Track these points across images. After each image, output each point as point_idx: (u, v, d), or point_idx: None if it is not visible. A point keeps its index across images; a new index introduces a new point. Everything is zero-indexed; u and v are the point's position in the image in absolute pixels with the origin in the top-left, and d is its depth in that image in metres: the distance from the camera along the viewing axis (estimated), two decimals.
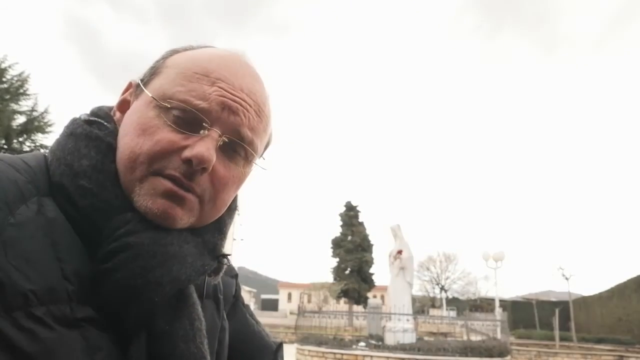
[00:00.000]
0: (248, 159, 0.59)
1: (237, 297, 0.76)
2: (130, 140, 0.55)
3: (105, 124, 0.59)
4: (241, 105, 0.56)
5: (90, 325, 0.47)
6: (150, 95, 0.56)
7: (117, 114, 0.62)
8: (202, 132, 0.54)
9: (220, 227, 0.62)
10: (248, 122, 0.57)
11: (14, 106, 16.05)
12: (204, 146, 0.52)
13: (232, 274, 0.76)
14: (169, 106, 0.54)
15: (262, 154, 0.64)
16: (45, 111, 16.55)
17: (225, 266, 0.63)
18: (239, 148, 0.57)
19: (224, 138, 0.55)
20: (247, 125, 0.57)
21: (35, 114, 16.36)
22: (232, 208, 0.64)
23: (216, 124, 0.55)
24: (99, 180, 0.53)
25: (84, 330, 0.46)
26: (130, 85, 0.63)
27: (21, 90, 16.26)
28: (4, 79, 15.82)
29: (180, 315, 0.54)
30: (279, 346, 0.77)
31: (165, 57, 0.61)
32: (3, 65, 15.85)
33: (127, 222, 0.51)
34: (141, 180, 0.53)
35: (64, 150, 0.56)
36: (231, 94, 0.56)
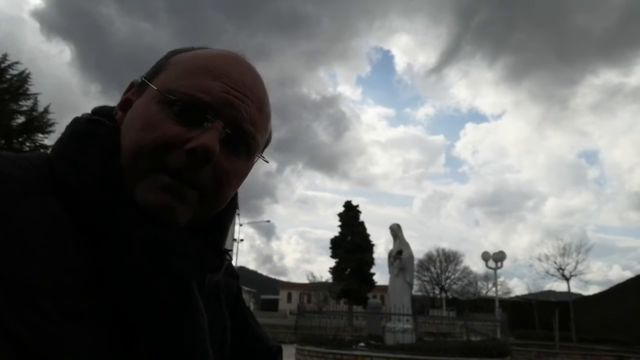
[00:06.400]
0: (250, 154, 0.60)
1: (238, 298, 0.76)
2: (133, 134, 0.55)
3: (107, 122, 0.60)
4: (243, 100, 0.57)
5: (93, 320, 0.47)
6: (156, 88, 0.57)
7: (119, 113, 0.62)
8: (205, 124, 0.54)
9: (221, 224, 0.63)
10: (250, 116, 0.58)
11: (14, 106, 16.05)
12: (208, 137, 0.53)
13: (234, 275, 0.76)
14: (173, 98, 0.55)
15: (262, 151, 0.65)
16: (45, 111, 16.57)
17: (226, 262, 0.63)
18: (241, 142, 0.58)
19: (227, 130, 0.55)
20: (249, 120, 0.58)
21: (35, 114, 16.37)
22: (232, 205, 0.65)
23: (219, 117, 0.55)
24: (102, 177, 0.53)
25: (88, 325, 0.46)
26: (132, 85, 0.64)
27: (21, 90, 16.27)
28: (4, 79, 15.82)
29: (184, 310, 0.54)
30: (278, 349, 0.77)
31: (168, 57, 0.62)
32: (3, 65, 15.86)
33: (131, 217, 0.51)
34: (144, 175, 0.53)
35: (67, 148, 0.56)
36: (234, 89, 0.57)
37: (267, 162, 0.65)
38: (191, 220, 0.56)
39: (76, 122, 0.60)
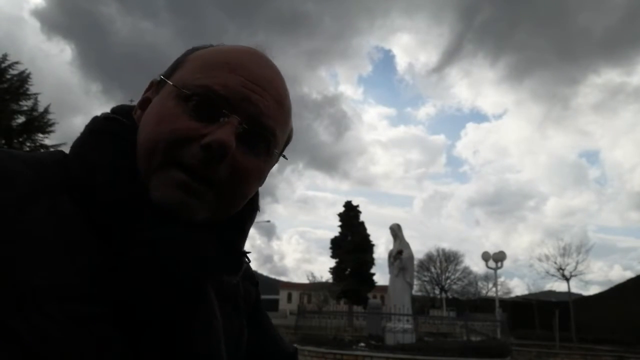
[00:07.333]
0: (269, 151, 0.58)
1: (257, 305, 0.75)
2: (149, 130, 0.55)
3: (124, 120, 0.60)
4: (261, 94, 0.56)
5: (101, 322, 0.46)
6: (172, 84, 0.56)
7: (138, 112, 0.62)
8: (221, 119, 0.53)
9: (240, 225, 0.62)
10: (268, 110, 0.56)
11: (14, 106, 16.04)
12: (224, 132, 0.52)
13: (254, 282, 0.75)
14: (189, 93, 0.54)
15: (283, 150, 0.63)
16: (46, 111, 16.56)
17: (244, 264, 0.62)
18: (259, 138, 0.56)
19: (244, 125, 0.54)
20: (267, 114, 0.56)
21: (35, 114, 16.36)
22: (252, 206, 0.63)
23: (236, 111, 0.54)
24: (117, 175, 0.52)
25: (95, 327, 0.45)
26: (152, 84, 0.64)
27: (21, 90, 16.26)
28: (4, 79, 15.81)
29: (197, 312, 0.53)
30: (295, 352, 0.77)
31: (186, 54, 0.62)
32: (3, 65, 15.85)
33: (145, 217, 0.50)
34: (158, 171, 0.53)
35: (84, 146, 0.56)
36: (252, 82, 0.55)
37: (287, 159, 0.64)
38: (209, 219, 0.55)
39: (94, 120, 0.60)
